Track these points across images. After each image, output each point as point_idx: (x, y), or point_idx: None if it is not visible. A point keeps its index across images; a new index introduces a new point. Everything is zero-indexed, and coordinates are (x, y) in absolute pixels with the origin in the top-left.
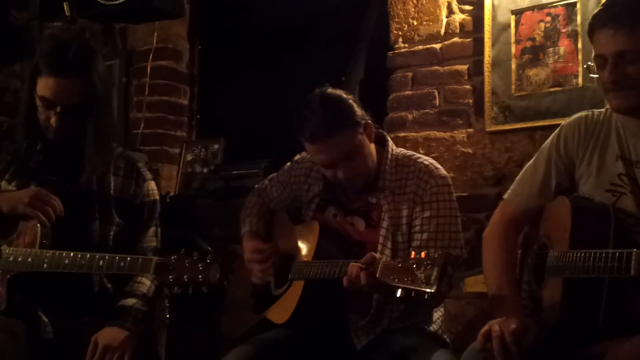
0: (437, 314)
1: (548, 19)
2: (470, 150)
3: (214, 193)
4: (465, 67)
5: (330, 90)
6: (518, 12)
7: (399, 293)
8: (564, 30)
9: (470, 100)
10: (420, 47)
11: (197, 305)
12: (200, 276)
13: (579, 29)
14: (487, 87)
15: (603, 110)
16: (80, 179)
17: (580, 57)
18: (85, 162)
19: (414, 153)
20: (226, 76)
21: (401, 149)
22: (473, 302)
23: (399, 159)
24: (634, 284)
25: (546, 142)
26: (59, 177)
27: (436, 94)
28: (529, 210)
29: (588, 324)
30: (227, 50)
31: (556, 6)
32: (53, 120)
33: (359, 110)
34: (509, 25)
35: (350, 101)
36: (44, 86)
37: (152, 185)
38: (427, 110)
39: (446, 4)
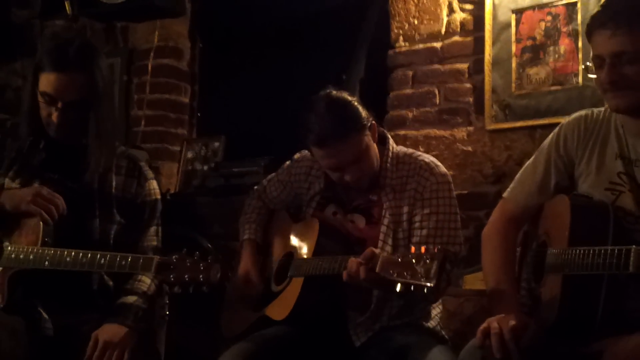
0: (436, 311)
1: (549, 18)
2: (470, 149)
3: (214, 190)
4: (465, 65)
5: (334, 93)
6: (519, 11)
7: (398, 287)
8: (564, 30)
9: (471, 99)
10: (421, 45)
11: (197, 302)
12: (201, 276)
13: (580, 28)
14: (487, 86)
15: (603, 109)
16: (83, 177)
17: (580, 56)
18: (87, 160)
19: (414, 151)
20: (227, 74)
21: (401, 147)
22: (472, 299)
23: (399, 157)
24: (633, 282)
25: (546, 140)
26: (61, 175)
27: (436, 92)
28: (529, 208)
29: (587, 321)
30: (228, 48)
31: (557, 5)
32: (54, 116)
33: (364, 112)
34: (509, 24)
35: (356, 103)
36: (46, 82)
37: (154, 184)
38: (427, 109)
39: (447, 2)
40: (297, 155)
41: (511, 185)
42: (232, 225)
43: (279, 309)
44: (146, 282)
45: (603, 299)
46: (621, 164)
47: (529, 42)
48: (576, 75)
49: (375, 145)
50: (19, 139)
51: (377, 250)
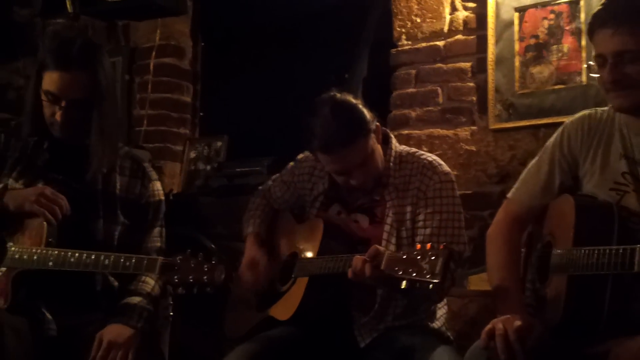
0: (441, 312)
1: (552, 16)
2: (473, 148)
3: (217, 191)
4: (468, 64)
5: (339, 96)
6: (521, 10)
7: (403, 284)
8: (567, 28)
9: (474, 98)
10: (424, 44)
11: (201, 303)
12: (205, 277)
13: (583, 26)
14: (490, 85)
15: (606, 108)
16: (86, 178)
17: (584, 54)
18: (90, 160)
19: (417, 150)
20: (229, 73)
21: (404, 146)
22: (476, 300)
23: (402, 156)
24: (639, 282)
25: (549, 140)
26: (65, 175)
27: (439, 91)
28: (533, 209)
29: (592, 321)
30: (230, 47)
31: (560, 3)
32: (58, 115)
33: (368, 115)
34: (512, 23)
35: (361, 106)
36: (49, 80)
37: (158, 185)
38: (430, 108)
39: (449, 1)
40: (300, 156)
41: (515, 186)
42: (235, 226)
43: (283, 309)
44: (150, 283)
45: (608, 299)
46: (625, 164)
47: (532, 41)
48: (580, 73)
49: (379, 146)
50: (22, 138)
51: (382, 248)
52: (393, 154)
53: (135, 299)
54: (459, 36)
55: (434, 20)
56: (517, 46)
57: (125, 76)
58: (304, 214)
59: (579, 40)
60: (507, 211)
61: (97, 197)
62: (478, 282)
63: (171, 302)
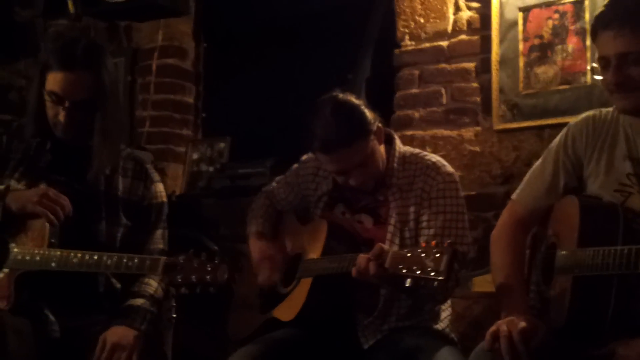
0: (445, 313)
1: (556, 16)
2: (477, 149)
3: (220, 192)
4: (472, 64)
5: (341, 97)
6: (526, 9)
7: (407, 282)
8: (572, 28)
9: (478, 99)
10: (427, 44)
11: (204, 305)
12: (208, 277)
13: (587, 26)
14: (494, 85)
15: (611, 109)
16: (88, 179)
17: (588, 54)
18: (92, 161)
19: (421, 151)
20: (232, 74)
21: (408, 147)
22: (481, 301)
23: (406, 156)
24: None
25: (554, 141)
26: (67, 177)
27: (443, 92)
28: (537, 210)
29: (597, 322)
30: (233, 48)
31: (564, 3)
32: (62, 115)
33: (370, 116)
34: (516, 23)
35: (362, 107)
36: (53, 81)
37: (160, 187)
38: (434, 109)
39: (453, 1)
40: (304, 157)
41: (519, 187)
42: (238, 227)
43: (286, 310)
44: (153, 284)
45: (613, 299)
46: (630, 165)
47: (536, 41)
48: (584, 74)
49: (380, 148)
50: (25, 140)
51: (386, 247)
52: (397, 154)
53: (139, 301)
54: (463, 36)
55: (438, 21)
56: (521, 46)
57: (128, 77)
58: (308, 215)
59: (584, 41)
60: (511, 212)
61: (100, 199)
62: (482, 284)
63: (174, 304)
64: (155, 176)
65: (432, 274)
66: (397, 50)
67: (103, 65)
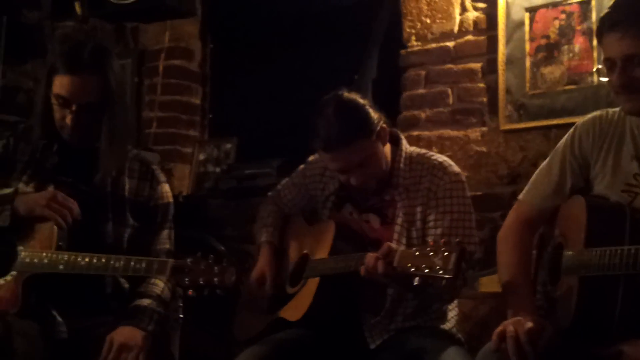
0: (452, 313)
1: (562, 16)
2: (484, 149)
3: (227, 192)
4: (479, 65)
5: (345, 95)
6: (532, 10)
7: (416, 281)
8: (578, 28)
9: (484, 99)
10: (434, 45)
11: (211, 305)
12: (215, 279)
13: (594, 26)
14: (501, 86)
15: (617, 109)
16: (95, 180)
17: (595, 55)
18: (99, 163)
19: (427, 151)
20: (238, 75)
21: (414, 147)
22: (487, 301)
23: (412, 157)
24: None
25: (560, 142)
26: (74, 179)
27: (450, 92)
28: (544, 210)
29: (604, 323)
30: (239, 49)
31: (571, 3)
32: (69, 118)
33: (374, 116)
34: (523, 23)
35: (366, 107)
36: (60, 84)
37: (167, 187)
38: (440, 109)
39: (459, 1)
40: (311, 158)
41: (526, 188)
42: (245, 228)
43: (293, 310)
44: (159, 285)
45: (620, 300)
46: (637, 166)
47: (543, 41)
48: (591, 74)
49: (384, 148)
50: (32, 142)
51: (394, 245)
52: (403, 155)
53: (146, 302)
54: (469, 37)
55: (444, 21)
56: (527, 46)
57: (134, 79)
58: (316, 215)
59: (590, 41)
60: (518, 213)
61: (106, 200)
62: (489, 284)
63: (181, 305)
64: (161, 177)
65: (441, 272)
66: (403, 51)
67: (109, 68)
